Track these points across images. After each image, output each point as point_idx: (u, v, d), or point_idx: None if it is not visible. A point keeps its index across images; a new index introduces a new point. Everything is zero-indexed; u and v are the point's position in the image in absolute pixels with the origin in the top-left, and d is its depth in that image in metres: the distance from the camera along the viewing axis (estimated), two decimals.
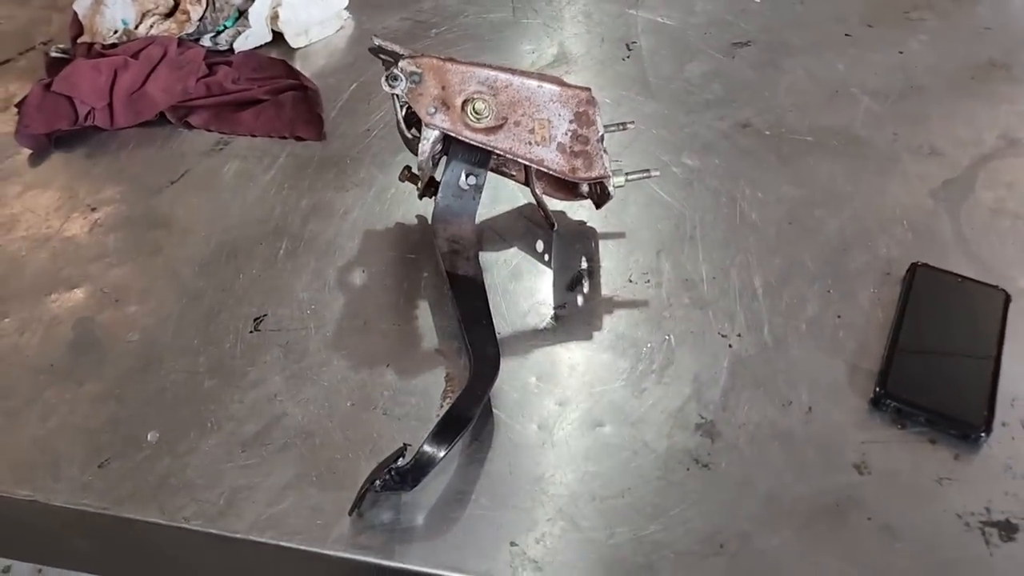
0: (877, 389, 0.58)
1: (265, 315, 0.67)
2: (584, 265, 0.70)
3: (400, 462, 0.52)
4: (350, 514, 0.53)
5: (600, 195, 0.69)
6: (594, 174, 0.65)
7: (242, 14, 0.96)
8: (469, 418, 0.55)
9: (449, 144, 0.65)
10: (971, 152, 0.79)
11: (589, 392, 0.60)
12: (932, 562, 0.50)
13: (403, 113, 0.65)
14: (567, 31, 0.99)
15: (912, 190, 0.75)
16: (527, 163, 0.64)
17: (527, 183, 0.71)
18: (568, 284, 0.68)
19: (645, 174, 0.67)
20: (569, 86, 0.64)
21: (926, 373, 0.59)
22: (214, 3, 0.95)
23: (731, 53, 0.94)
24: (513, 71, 0.63)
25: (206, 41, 0.95)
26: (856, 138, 0.81)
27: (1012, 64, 0.89)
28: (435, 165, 0.68)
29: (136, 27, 0.95)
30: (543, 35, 0.99)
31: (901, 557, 0.50)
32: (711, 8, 1.01)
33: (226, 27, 0.96)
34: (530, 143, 0.63)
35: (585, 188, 0.71)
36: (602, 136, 0.65)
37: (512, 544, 0.52)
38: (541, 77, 0.64)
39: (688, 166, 0.79)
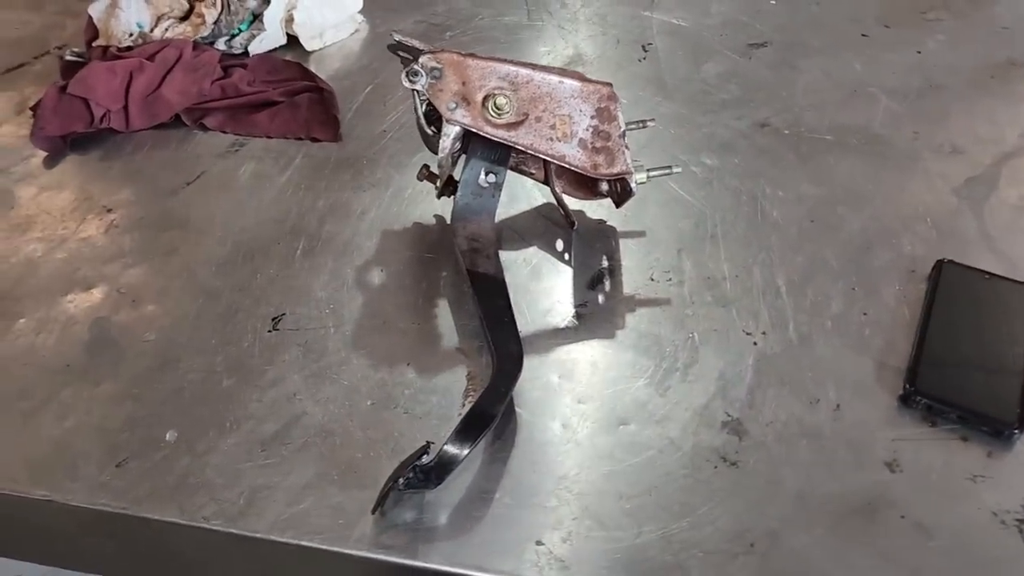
0: (907, 386, 0.57)
1: (283, 314, 0.66)
2: (605, 264, 0.69)
3: (424, 460, 0.51)
4: (373, 513, 0.52)
5: (621, 193, 0.68)
6: (616, 170, 0.64)
7: (257, 17, 0.96)
8: (493, 415, 0.54)
9: (468, 142, 0.65)
10: (993, 150, 0.78)
11: (612, 390, 0.59)
12: (967, 560, 0.49)
13: (423, 109, 0.65)
14: (582, 33, 0.99)
15: (934, 188, 0.74)
16: (548, 159, 0.64)
17: (546, 181, 0.70)
18: (589, 283, 0.68)
19: (667, 170, 0.66)
20: (590, 81, 0.63)
21: (956, 370, 0.58)
22: (229, 6, 0.95)
23: (747, 54, 0.93)
24: (534, 67, 0.62)
25: (221, 44, 0.95)
26: (876, 137, 0.81)
27: None
28: (454, 163, 0.68)
29: (151, 30, 0.95)
30: (558, 37, 0.98)
31: (935, 555, 0.49)
32: (726, 9, 1.01)
33: (241, 30, 0.96)
34: (551, 139, 0.63)
35: (605, 186, 0.71)
36: (624, 132, 0.64)
37: (538, 543, 0.51)
38: (562, 72, 0.63)
39: (707, 165, 0.78)
